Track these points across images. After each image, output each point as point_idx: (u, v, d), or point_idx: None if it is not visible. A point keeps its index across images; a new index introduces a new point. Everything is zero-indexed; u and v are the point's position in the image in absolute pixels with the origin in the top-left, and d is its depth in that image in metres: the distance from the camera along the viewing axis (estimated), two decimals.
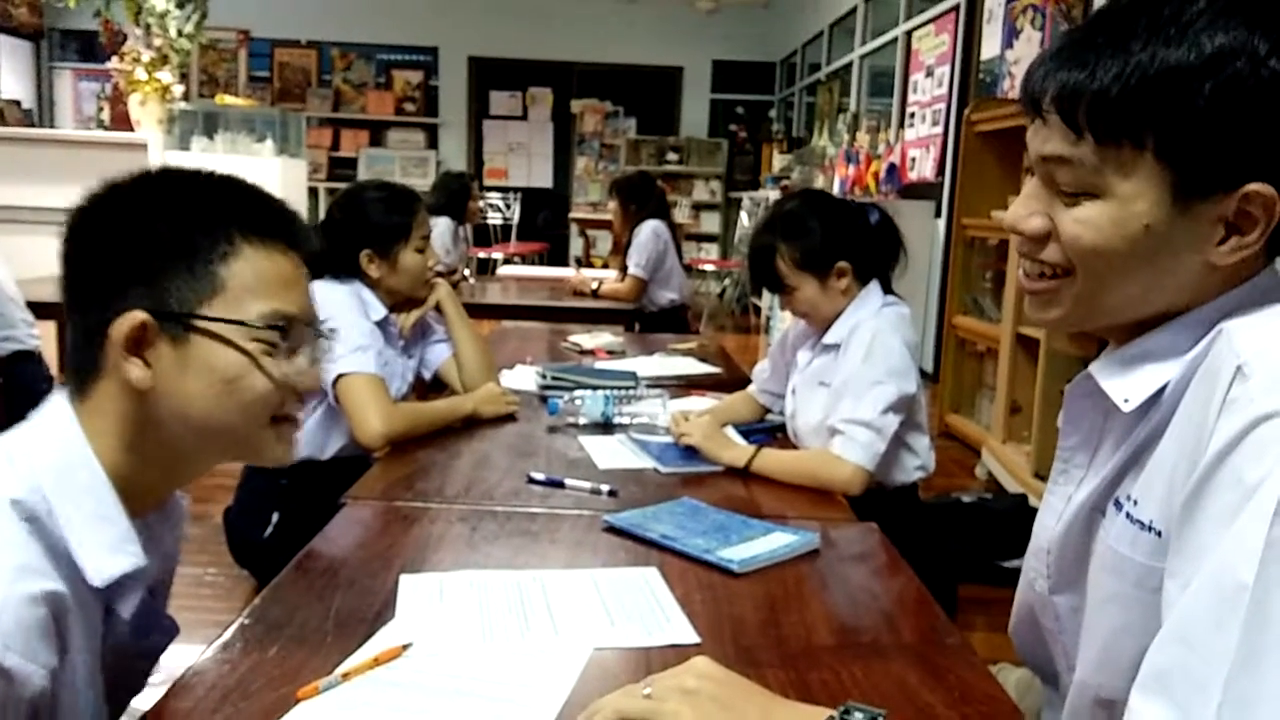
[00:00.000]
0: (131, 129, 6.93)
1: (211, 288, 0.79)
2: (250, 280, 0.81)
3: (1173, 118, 0.71)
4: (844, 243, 1.80)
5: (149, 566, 0.80)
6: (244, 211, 0.83)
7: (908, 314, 1.83)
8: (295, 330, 0.84)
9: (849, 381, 1.74)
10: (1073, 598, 0.88)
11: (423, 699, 0.89)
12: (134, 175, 0.82)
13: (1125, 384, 0.80)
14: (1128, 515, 0.78)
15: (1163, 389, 0.77)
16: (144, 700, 1.31)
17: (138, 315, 0.77)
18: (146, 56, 6.78)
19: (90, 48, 9.48)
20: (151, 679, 1.46)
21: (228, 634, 1.00)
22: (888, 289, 1.86)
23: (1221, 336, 0.71)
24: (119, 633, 0.82)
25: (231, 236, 0.80)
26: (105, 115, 8.20)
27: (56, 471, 0.76)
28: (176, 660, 0.97)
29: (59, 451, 0.77)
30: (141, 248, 0.79)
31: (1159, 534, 0.74)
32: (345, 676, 0.91)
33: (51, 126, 9.44)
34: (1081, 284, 0.79)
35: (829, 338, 1.84)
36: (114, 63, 6.93)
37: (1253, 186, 0.71)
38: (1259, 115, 0.70)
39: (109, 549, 0.76)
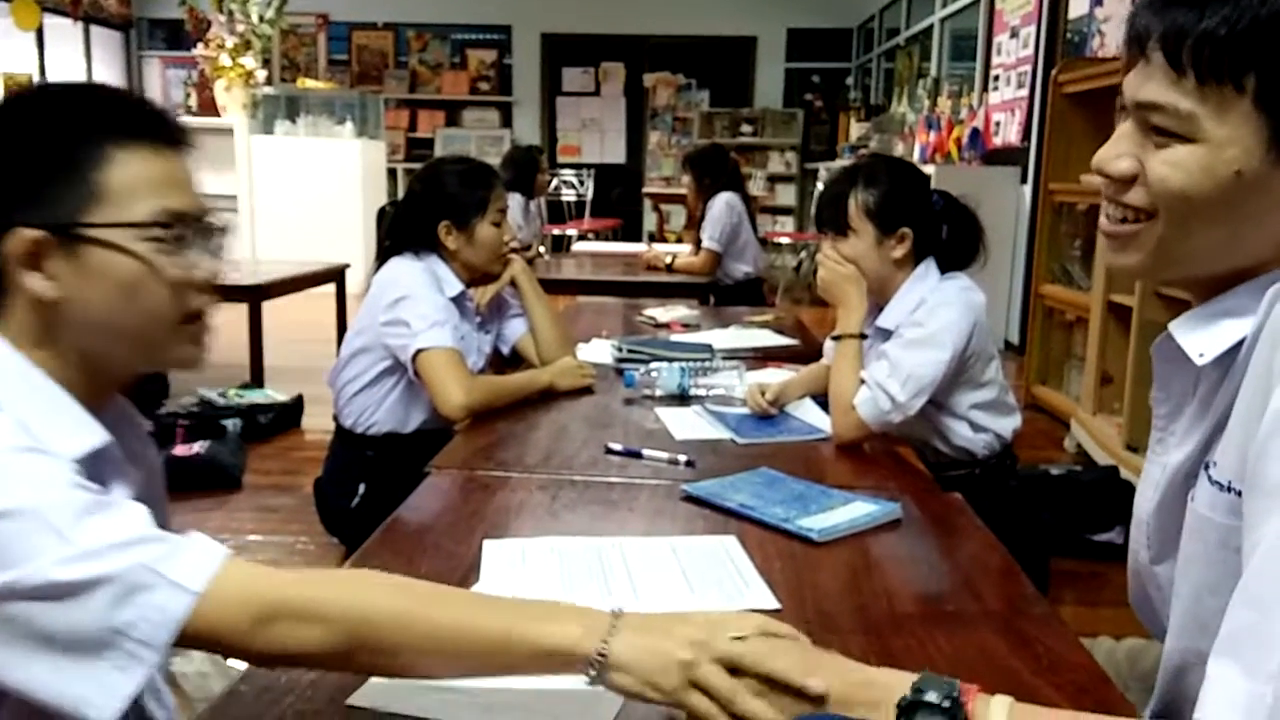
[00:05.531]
0: (218, 114, 7.15)
1: (93, 195, 0.81)
2: (129, 183, 0.82)
3: (1277, 63, 0.71)
4: (913, 210, 1.80)
5: (127, 463, 0.84)
6: (112, 118, 0.84)
7: (982, 301, 1.79)
8: (185, 224, 0.85)
9: (906, 345, 1.72)
10: (1173, 566, 0.86)
11: None
12: (5, 97, 0.85)
13: (1201, 338, 0.79)
14: (1209, 478, 0.78)
15: (1238, 346, 0.76)
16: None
17: (27, 232, 0.79)
18: (230, 43, 6.97)
19: (177, 36, 9.76)
20: None
21: None
22: (945, 269, 1.81)
23: None
24: None
25: (103, 143, 0.82)
26: (192, 101, 8.47)
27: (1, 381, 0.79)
28: None
29: None
30: (19, 167, 0.81)
31: (1238, 494, 0.73)
32: None
33: None
34: (1164, 228, 0.79)
35: (884, 320, 1.80)
36: (199, 50, 7.14)
37: None
38: None
39: (71, 432, 0.80)
